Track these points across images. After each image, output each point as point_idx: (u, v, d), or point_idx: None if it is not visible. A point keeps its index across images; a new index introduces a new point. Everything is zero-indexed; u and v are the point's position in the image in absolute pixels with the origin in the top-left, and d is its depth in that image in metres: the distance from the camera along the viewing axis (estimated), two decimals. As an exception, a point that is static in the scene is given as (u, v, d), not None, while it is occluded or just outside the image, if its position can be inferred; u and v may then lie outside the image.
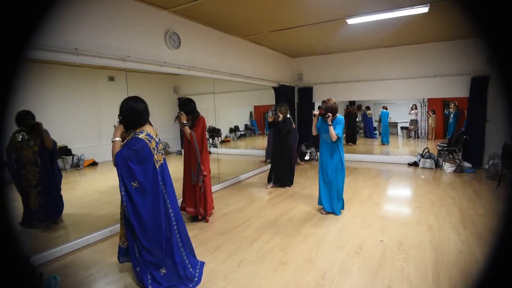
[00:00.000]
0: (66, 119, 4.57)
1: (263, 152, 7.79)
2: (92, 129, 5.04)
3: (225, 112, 8.83)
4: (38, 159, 3.33)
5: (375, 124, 11.54)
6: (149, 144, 2.24)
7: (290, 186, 5.29)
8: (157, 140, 2.35)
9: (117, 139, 2.23)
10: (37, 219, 3.44)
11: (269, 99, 7.62)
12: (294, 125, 7.08)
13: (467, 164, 6.27)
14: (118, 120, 2.37)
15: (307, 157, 7.72)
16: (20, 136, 3.27)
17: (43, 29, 2.75)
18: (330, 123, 3.67)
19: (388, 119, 10.42)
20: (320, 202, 4.01)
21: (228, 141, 9.24)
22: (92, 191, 4.84)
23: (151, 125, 2.42)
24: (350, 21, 4.73)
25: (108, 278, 2.58)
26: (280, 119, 5.03)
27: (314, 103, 8.08)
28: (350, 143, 10.23)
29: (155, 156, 2.29)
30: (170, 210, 2.36)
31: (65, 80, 4.53)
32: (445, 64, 6.46)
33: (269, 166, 5.81)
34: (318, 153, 4.30)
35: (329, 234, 3.31)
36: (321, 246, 3.04)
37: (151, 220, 2.25)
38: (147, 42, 3.90)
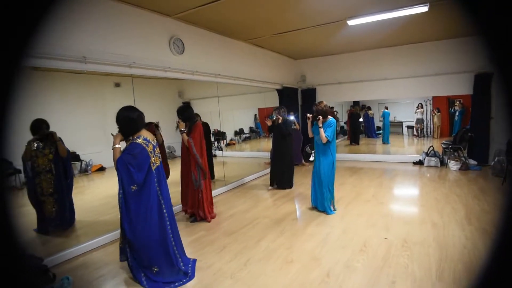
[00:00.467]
0: (74, 125, 4.69)
1: (268, 154, 7.83)
2: (99, 135, 5.15)
3: (229, 115, 8.91)
4: (53, 167, 3.42)
5: (379, 124, 11.52)
6: (147, 147, 2.44)
7: (290, 188, 5.33)
8: (154, 144, 2.53)
9: (117, 146, 2.43)
10: (53, 226, 3.53)
11: (273, 101, 7.67)
12: (298, 127, 7.15)
13: (472, 162, 6.24)
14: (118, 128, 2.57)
15: (311, 158, 7.74)
16: (35, 145, 3.36)
17: (52, 39, 2.84)
18: (320, 125, 3.78)
19: (390, 119, 10.42)
20: (314, 203, 4.14)
21: (233, 144, 9.30)
22: (101, 196, 4.94)
23: (148, 130, 2.62)
24: (351, 22, 4.79)
25: (118, 278, 2.66)
26: (280, 121, 5.08)
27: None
28: (353, 143, 10.23)
29: (152, 159, 2.48)
30: (164, 211, 2.53)
31: (73, 88, 4.66)
32: (448, 62, 6.46)
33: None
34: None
35: (333, 233, 3.35)
36: (325, 244, 3.08)
37: (142, 221, 2.41)
38: (152, 48, 4.00)
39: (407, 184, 5.44)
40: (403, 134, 11.92)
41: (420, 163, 6.83)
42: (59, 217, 3.49)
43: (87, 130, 4.97)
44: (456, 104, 9.99)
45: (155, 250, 2.48)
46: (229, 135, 9.07)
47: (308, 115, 3.98)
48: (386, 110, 10.39)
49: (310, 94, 8.14)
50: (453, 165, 6.16)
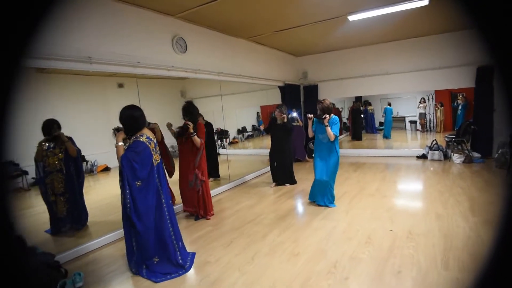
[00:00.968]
0: (79, 126, 4.74)
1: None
2: (104, 135, 5.19)
3: (232, 113, 8.95)
4: (63, 166, 3.48)
5: (382, 120, 11.53)
6: (149, 145, 2.55)
7: (293, 184, 5.36)
8: (155, 142, 2.65)
9: (120, 143, 2.52)
10: (65, 226, 3.59)
11: (275, 98, 7.70)
12: (301, 123, 7.19)
13: (476, 154, 6.24)
14: (117, 127, 2.71)
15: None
16: (46, 145, 3.42)
17: (57, 40, 2.89)
18: (327, 124, 3.76)
19: (392, 115, 10.43)
20: (312, 198, 4.18)
21: (236, 142, 9.35)
22: (107, 195, 5.00)
23: (149, 128, 2.73)
24: (351, 18, 4.80)
25: (128, 273, 2.71)
26: (285, 120, 5.07)
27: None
28: (355, 139, 10.25)
29: (154, 156, 2.59)
30: (164, 205, 2.65)
31: (77, 89, 4.71)
32: (449, 56, 6.45)
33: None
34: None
35: (338, 226, 3.38)
36: (331, 237, 3.12)
37: (146, 211, 2.54)
38: (156, 47, 4.05)
39: (410, 178, 5.46)
40: (406, 129, 11.91)
41: (423, 157, 6.84)
42: (70, 216, 3.54)
43: (92, 131, 5.02)
44: (459, 98, 9.95)
45: (156, 242, 2.62)
46: (232, 133, 9.12)
47: (309, 115, 4.00)
48: (388, 107, 10.39)
49: (312, 90, 8.16)
50: (457, 158, 6.17)
